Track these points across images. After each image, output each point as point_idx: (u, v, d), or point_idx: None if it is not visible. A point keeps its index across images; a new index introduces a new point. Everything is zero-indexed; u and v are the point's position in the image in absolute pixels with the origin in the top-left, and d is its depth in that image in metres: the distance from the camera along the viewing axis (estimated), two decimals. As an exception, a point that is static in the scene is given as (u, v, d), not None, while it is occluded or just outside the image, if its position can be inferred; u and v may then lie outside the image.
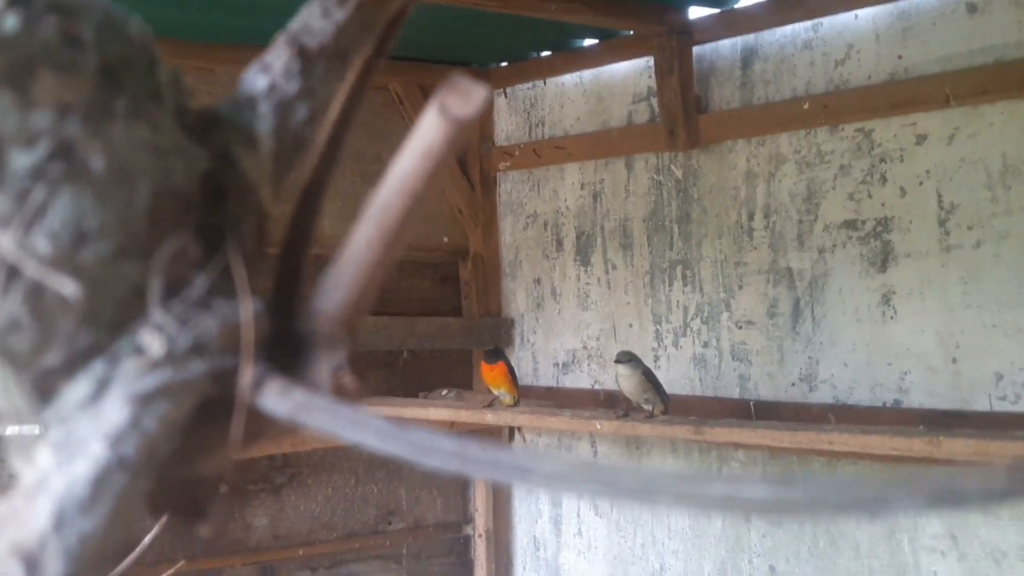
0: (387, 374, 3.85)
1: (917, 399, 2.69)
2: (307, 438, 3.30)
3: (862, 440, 2.15)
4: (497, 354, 3.18)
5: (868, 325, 2.80)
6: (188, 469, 0.55)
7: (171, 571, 2.54)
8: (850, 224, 2.84)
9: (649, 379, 2.77)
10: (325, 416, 0.50)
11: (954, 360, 2.61)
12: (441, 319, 3.85)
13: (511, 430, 3.60)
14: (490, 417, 3.13)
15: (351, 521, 3.78)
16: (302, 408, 0.51)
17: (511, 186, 3.94)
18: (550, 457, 0.42)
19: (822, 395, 2.92)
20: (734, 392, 3.16)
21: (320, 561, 3.72)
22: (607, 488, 0.41)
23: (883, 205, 2.75)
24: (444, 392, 3.66)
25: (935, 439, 1.99)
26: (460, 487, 4.04)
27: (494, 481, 3.81)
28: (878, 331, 2.77)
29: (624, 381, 2.78)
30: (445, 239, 3.92)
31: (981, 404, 2.54)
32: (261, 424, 0.53)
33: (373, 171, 3.69)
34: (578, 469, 0.41)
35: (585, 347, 3.67)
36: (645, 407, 2.77)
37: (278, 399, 0.51)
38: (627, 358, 2.78)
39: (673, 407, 2.86)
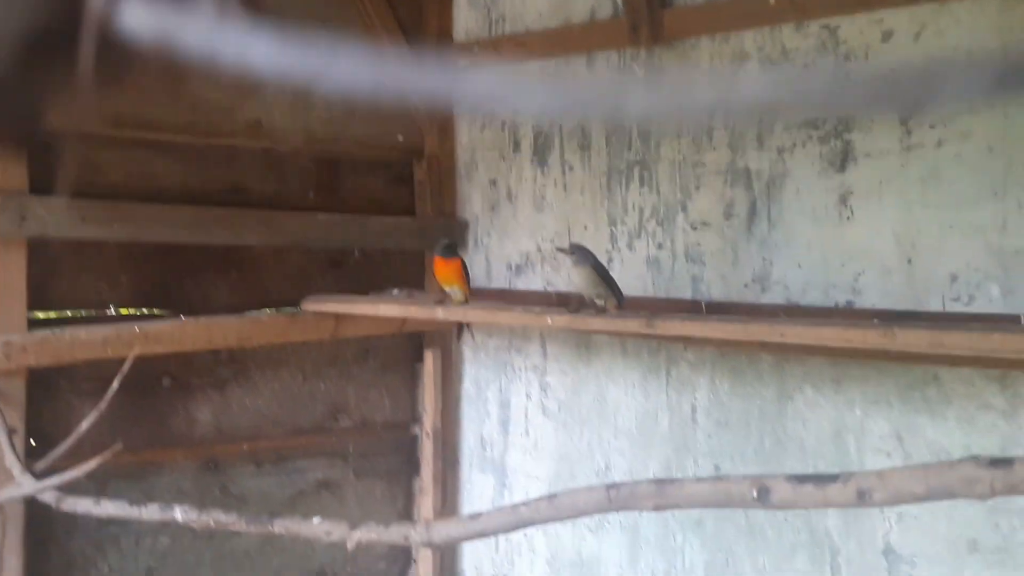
0: (337, 273, 3.80)
1: (870, 300, 2.69)
2: (253, 334, 3.28)
3: (815, 332, 2.13)
4: (453, 249, 3.13)
5: (824, 226, 2.79)
6: (34, 104, 0.48)
7: (107, 452, 2.49)
8: (810, 123, 2.81)
9: (599, 273, 2.74)
10: (200, 37, 0.41)
11: (909, 261, 2.61)
12: (394, 218, 3.80)
13: (460, 328, 3.58)
14: (440, 313, 3.10)
15: (298, 418, 3.76)
16: (171, 29, 0.42)
17: (469, 84, 3.85)
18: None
19: (774, 296, 2.92)
20: (686, 293, 3.15)
21: (265, 456, 3.69)
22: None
23: (843, 103, 2.72)
24: (395, 292, 3.61)
25: (889, 331, 1.98)
26: (409, 387, 4.02)
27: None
28: (834, 232, 2.77)
29: (573, 274, 2.75)
30: (400, 138, 3.84)
31: (934, 305, 2.55)
32: (119, 58, 0.44)
33: None
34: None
35: (540, 249, 3.64)
36: (597, 302, 2.75)
37: (140, 18, 0.42)
38: (574, 250, 2.75)
39: (626, 307, 2.85)
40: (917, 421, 2.60)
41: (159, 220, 3.17)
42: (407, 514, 4.02)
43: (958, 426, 2.50)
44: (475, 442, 3.95)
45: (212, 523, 1.82)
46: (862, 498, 1.05)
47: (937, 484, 1.01)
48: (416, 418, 4.04)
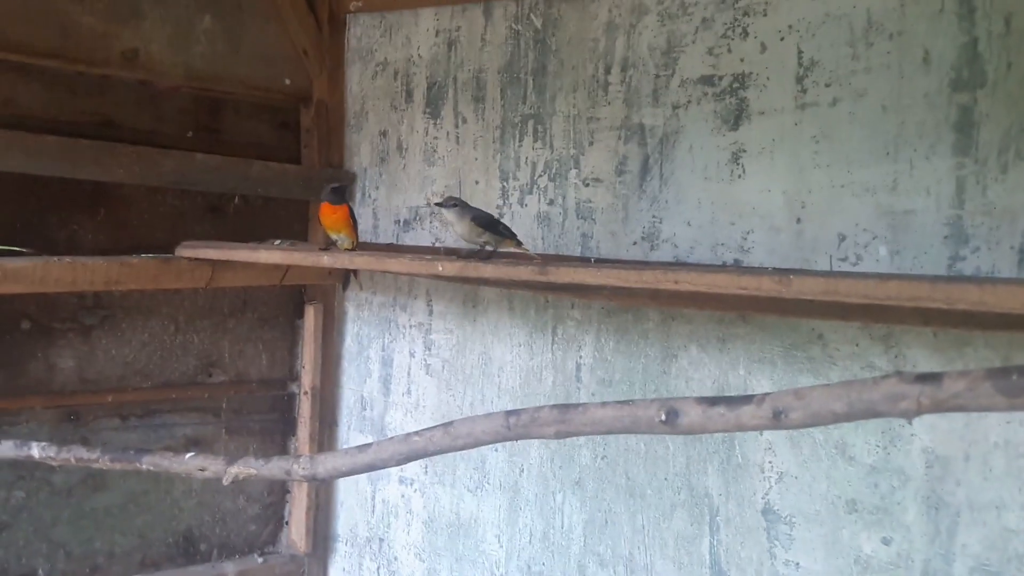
0: (216, 220, 3.63)
1: (758, 258, 2.70)
2: (122, 278, 3.08)
3: (709, 279, 2.10)
4: (341, 194, 3.01)
5: (715, 184, 2.78)
6: None
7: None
8: (707, 80, 2.79)
9: (480, 223, 2.68)
10: None
11: (799, 220, 2.61)
12: (279, 165, 3.65)
13: (347, 276, 3.47)
14: (326, 260, 2.98)
15: (168, 370, 3.58)
16: None
17: (361, 31, 3.73)
18: None
19: (663, 254, 2.90)
20: (576, 250, 3.11)
21: (132, 409, 3.51)
22: None
23: (742, 61, 2.71)
24: (277, 242, 3.47)
25: (785, 278, 1.96)
26: (288, 342, 3.89)
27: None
28: (725, 190, 2.76)
29: (457, 228, 2.70)
30: (287, 81, 3.68)
31: (822, 264, 2.56)
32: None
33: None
34: None
35: (429, 204, 3.55)
36: (487, 247, 2.69)
37: None
38: (452, 203, 2.69)
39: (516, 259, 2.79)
40: (800, 381, 2.62)
41: (20, 148, 2.95)
42: (281, 474, 3.89)
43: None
44: (355, 401, 3.84)
45: (73, 460, 1.68)
46: (778, 418, 1.01)
47: (859, 402, 0.97)
48: (294, 375, 3.91)
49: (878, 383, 1.02)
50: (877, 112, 2.46)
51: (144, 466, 1.62)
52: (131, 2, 3.22)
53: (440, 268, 2.66)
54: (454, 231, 2.73)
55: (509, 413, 1.22)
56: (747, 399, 1.07)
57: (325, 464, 1.40)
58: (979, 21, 2.31)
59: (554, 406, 1.18)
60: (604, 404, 1.17)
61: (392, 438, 1.34)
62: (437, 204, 2.77)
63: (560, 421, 1.17)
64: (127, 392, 3.46)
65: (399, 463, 1.31)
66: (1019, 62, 2.25)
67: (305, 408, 3.81)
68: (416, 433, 1.29)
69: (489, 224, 2.70)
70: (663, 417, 1.09)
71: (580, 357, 3.10)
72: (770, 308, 2.51)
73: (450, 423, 1.27)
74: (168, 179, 3.30)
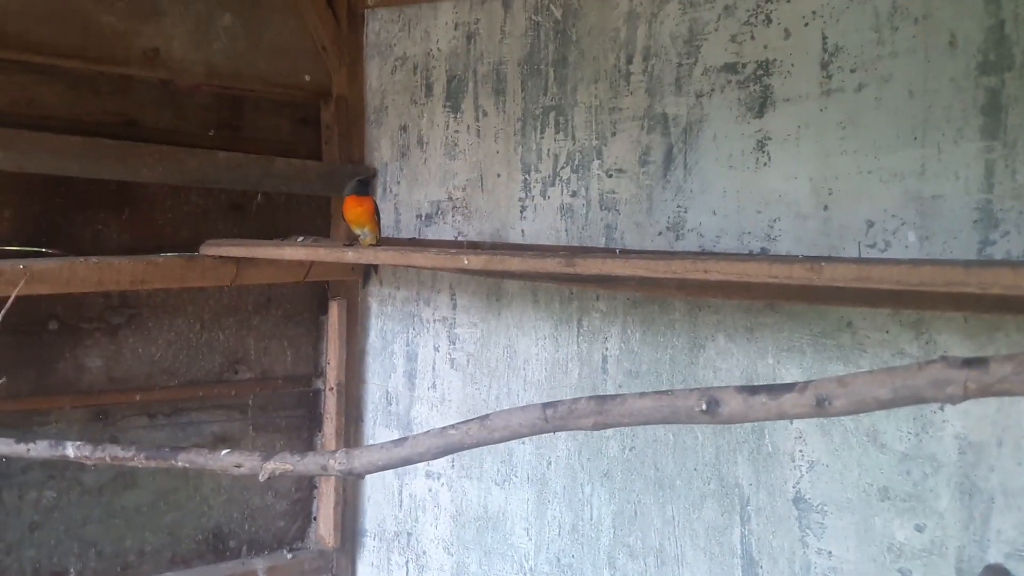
0: (239, 217, 3.64)
1: (785, 247, 2.68)
2: (148, 277, 3.09)
3: (740, 267, 2.09)
4: (366, 186, 3.01)
5: (740, 172, 2.76)
6: None
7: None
8: (730, 67, 2.77)
9: None
10: None
11: (825, 207, 2.60)
12: (300, 162, 3.64)
13: (367, 271, 3.47)
14: (351, 255, 2.97)
15: (194, 368, 3.59)
16: None
17: (380, 25, 3.73)
18: None
19: (688, 244, 2.89)
20: (600, 241, 3.10)
21: (159, 408, 3.52)
22: None
23: (765, 47, 2.70)
24: (299, 239, 3.47)
25: (816, 265, 1.94)
26: (312, 339, 3.90)
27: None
28: (750, 178, 2.74)
29: None
30: (307, 78, 3.69)
31: (850, 251, 2.54)
32: None
33: (232, -8, 3.43)
34: None
35: (451, 198, 3.55)
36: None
37: None
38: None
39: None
40: (830, 369, 2.60)
41: (45, 149, 2.95)
42: (308, 470, 3.90)
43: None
44: (380, 396, 3.85)
45: (108, 459, 1.68)
46: (821, 406, 1.00)
47: (903, 388, 0.96)
48: (319, 372, 3.92)
49: (923, 368, 1.01)
50: (903, 97, 2.44)
51: (180, 463, 1.63)
52: (151, 0, 3.23)
53: (466, 261, 2.66)
54: None
55: (546, 405, 1.21)
56: (789, 387, 1.06)
57: (361, 459, 1.40)
58: (1005, 3, 2.29)
59: (591, 397, 1.17)
60: (642, 395, 1.17)
61: (428, 432, 1.34)
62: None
63: (598, 412, 1.16)
64: (154, 391, 3.47)
65: (435, 456, 1.31)
66: (1048, 43, 2.23)
67: (331, 404, 3.82)
68: (452, 426, 1.29)
69: None
70: (703, 407, 1.08)
71: (606, 349, 3.09)
72: (798, 296, 2.49)
73: (486, 416, 1.26)
74: (191, 177, 3.31)
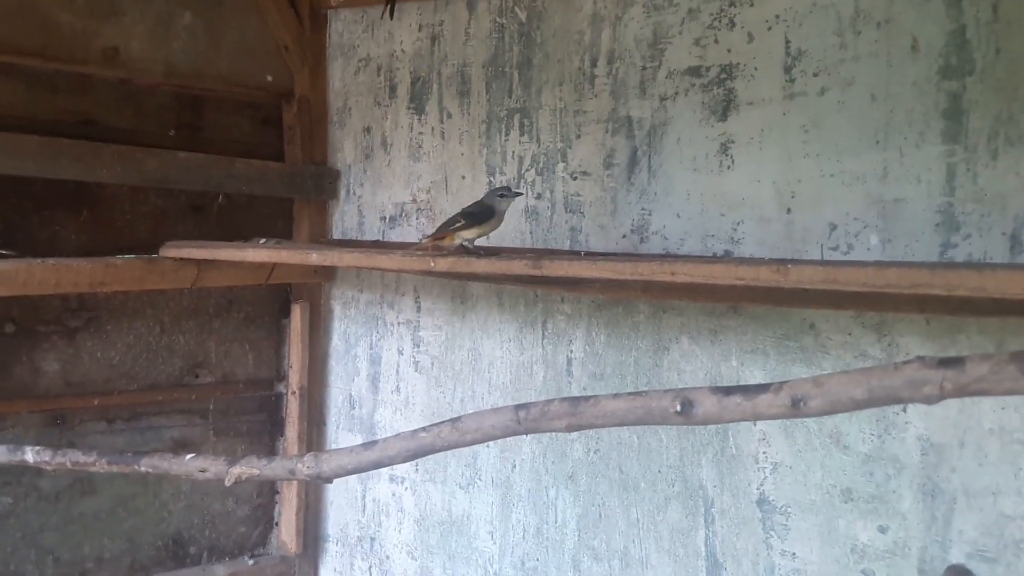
0: (199, 219, 3.59)
1: (748, 249, 2.69)
2: (107, 279, 3.04)
3: (706, 270, 2.09)
4: None
5: (704, 175, 2.77)
6: None
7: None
8: (694, 71, 2.78)
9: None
10: None
11: (788, 210, 2.61)
12: (262, 163, 3.61)
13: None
14: (314, 257, 2.95)
15: (154, 372, 3.54)
16: None
17: (343, 26, 3.70)
18: None
19: (653, 246, 2.90)
20: (565, 244, 3.10)
21: (118, 413, 3.47)
22: None
23: (729, 51, 2.71)
24: (262, 241, 3.43)
25: (783, 268, 1.95)
26: (274, 342, 3.86)
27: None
28: (714, 181, 2.75)
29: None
30: (269, 78, 3.65)
31: (813, 254, 2.56)
32: None
33: (193, -10, 3.39)
34: None
35: (415, 200, 3.53)
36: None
37: None
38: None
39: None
40: (793, 371, 2.62)
41: (1, 149, 2.90)
42: (269, 474, 3.86)
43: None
44: (343, 400, 3.82)
45: (68, 464, 1.65)
46: (796, 407, 1.00)
47: (880, 388, 0.96)
48: (281, 375, 3.88)
49: (900, 368, 1.01)
50: (866, 101, 2.46)
51: (143, 468, 1.60)
52: (110, -1, 3.19)
53: (432, 264, 2.64)
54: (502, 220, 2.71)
55: (519, 407, 1.20)
56: (764, 387, 1.06)
57: (330, 462, 1.38)
58: (967, 8, 2.32)
59: (564, 399, 1.16)
60: (616, 396, 1.16)
61: (399, 434, 1.32)
62: (501, 196, 2.71)
63: (571, 414, 1.15)
64: (113, 395, 3.42)
65: (406, 460, 1.30)
66: (1008, 48, 2.26)
67: (293, 408, 3.78)
68: (424, 429, 1.28)
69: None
70: (678, 408, 1.08)
71: (571, 351, 3.09)
72: (762, 298, 2.50)
73: (458, 418, 1.25)
74: (151, 178, 3.26)
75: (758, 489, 2.67)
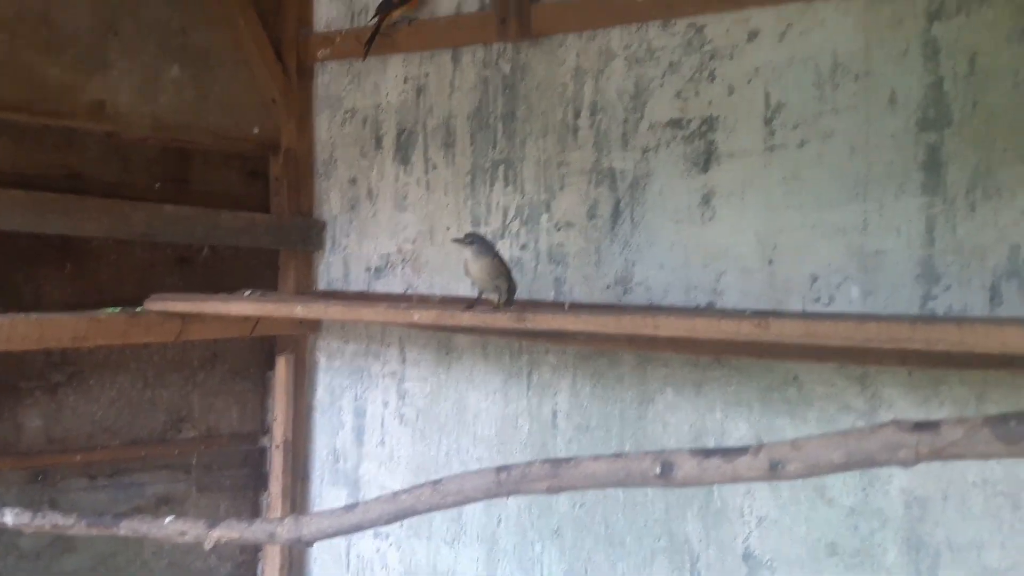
0: (185, 271, 3.59)
1: (731, 300, 2.71)
2: (90, 334, 3.02)
3: (688, 324, 2.11)
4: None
5: (687, 226, 2.79)
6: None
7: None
8: (675, 123, 2.81)
9: (501, 263, 2.61)
10: None
11: (770, 262, 2.63)
12: (248, 214, 3.61)
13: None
14: (299, 310, 2.94)
15: (137, 427, 3.51)
16: None
17: (330, 78, 3.73)
18: None
19: (636, 297, 2.90)
20: (549, 295, 3.10)
21: (100, 469, 3.43)
22: None
23: (710, 104, 2.74)
24: (247, 293, 3.42)
25: (764, 322, 1.97)
26: (259, 395, 3.83)
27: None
28: (696, 232, 2.77)
29: (473, 265, 2.58)
30: (255, 130, 3.66)
31: (795, 305, 2.57)
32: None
33: (176, 45, 3.41)
34: None
35: (400, 251, 3.53)
36: (492, 296, 2.61)
37: None
38: (472, 240, 2.60)
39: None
40: (777, 423, 2.62)
41: (-13, 203, 2.90)
42: (254, 528, 3.81)
43: (818, 427, 2.53)
44: (327, 454, 3.79)
45: (48, 527, 1.63)
46: (775, 470, 1.00)
47: (857, 451, 0.96)
48: (265, 429, 3.85)
49: (875, 432, 1.01)
50: (845, 153, 2.49)
51: (122, 531, 1.58)
52: (98, 52, 3.20)
53: (416, 316, 2.64)
54: (470, 269, 2.61)
55: (500, 469, 1.20)
56: (742, 450, 1.06)
57: (310, 526, 1.37)
58: (944, 61, 2.36)
59: (545, 460, 1.16)
60: (597, 458, 1.16)
61: (379, 497, 1.31)
62: (456, 240, 2.68)
63: (552, 476, 1.15)
64: (95, 451, 3.38)
65: (387, 522, 1.28)
66: (984, 101, 2.30)
67: (277, 462, 3.75)
68: (404, 491, 1.27)
69: (508, 270, 2.63)
70: (658, 470, 1.08)
71: (556, 403, 3.08)
72: (745, 351, 2.51)
73: (439, 480, 1.24)
74: (137, 231, 3.26)
75: (743, 543, 2.65)
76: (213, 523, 1.46)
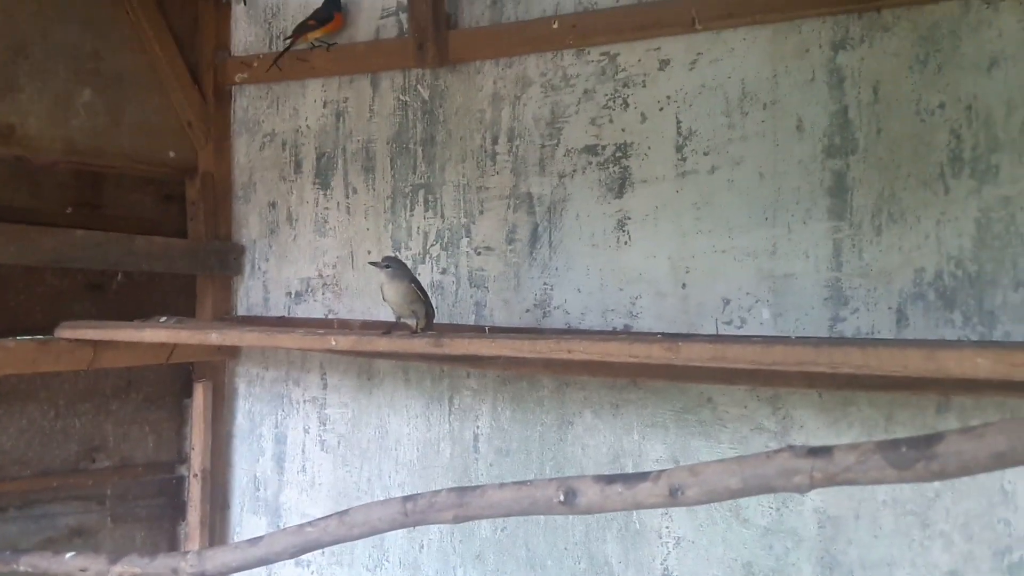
0: (97, 298, 3.51)
1: (647, 324, 2.74)
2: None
3: (601, 347, 2.13)
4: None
5: (603, 251, 2.82)
6: None
7: None
8: (591, 149, 2.85)
9: (418, 288, 2.62)
10: None
11: (684, 285, 2.67)
12: (163, 239, 3.55)
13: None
14: (214, 337, 2.90)
15: (48, 457, 3.42)
16: None
17: (248, 102, 3.70)
18: None
19: (555, 320, 2.92)
20: (470, 319, 3.11)
21: (10, 500, 3.32)
22: None
23: (623, 131, 2.78)
24: (163, 319, 3.36)
25: (674, 345, 2.00)
26: (175, 423, 3.76)
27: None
28: (612, 256, 2.80)
29: (389, 290, 2.58)
30: (171, 154, 3.61)
31: (708, 328, 2.62)
32: None
33: (89, 69, 3.35)
34: None
35: (320, 275, 3.51)
36: (409, 321, 2.63)
37: None
38: (393, 264, 2.60)
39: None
40: (692, 444, 2.65)
41: None
42: (171, 559, 3.73)
43: (732, 448, 2.57)
44: (247, 482, 3.73)
45: (-58, 565, 1.57)
46: (674, 496, 1.02)
47: (753, 477, 0.98)
48: (183, 457, 3.77)
49: (771, 457, 1.03)
50: (754, 179, 2.55)
51: (22, 567, 1.53)
52: (7, 76, 3.13)
53: (333, 342, 2.63)
54: (386, 293, 2.61)
55: (406, 499, 1.19)
56: (643, 476, 1.07)
57: (214, 560, 1.35)
58: (848, 89, 2.42)
59: (451, 490, 1.16)
60: (502, 486, 1.16)
61: (285, 529, 1.30)
62: (373, 263, 2.66)
63: (458, 505, 1.15)
64: (4, 482, 3.28)
65: (293, 555, 1.27)
66: (888, 128, 2.36)
67: (195, 491, 3.68)
68: (310, 523, 1.26)
69: (425, 295, 2.65)
70: (561, 497, 1.09)
71: (477, 427, 3.08)
72: (660, 374, 2.54)
73: (345, 512, 1.23)
74: (47, 257, 3.19)
75: (662, 564, 2.68)
76: (115, 558, 1.43)
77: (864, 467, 0.97)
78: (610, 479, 1.09)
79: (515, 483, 1.12)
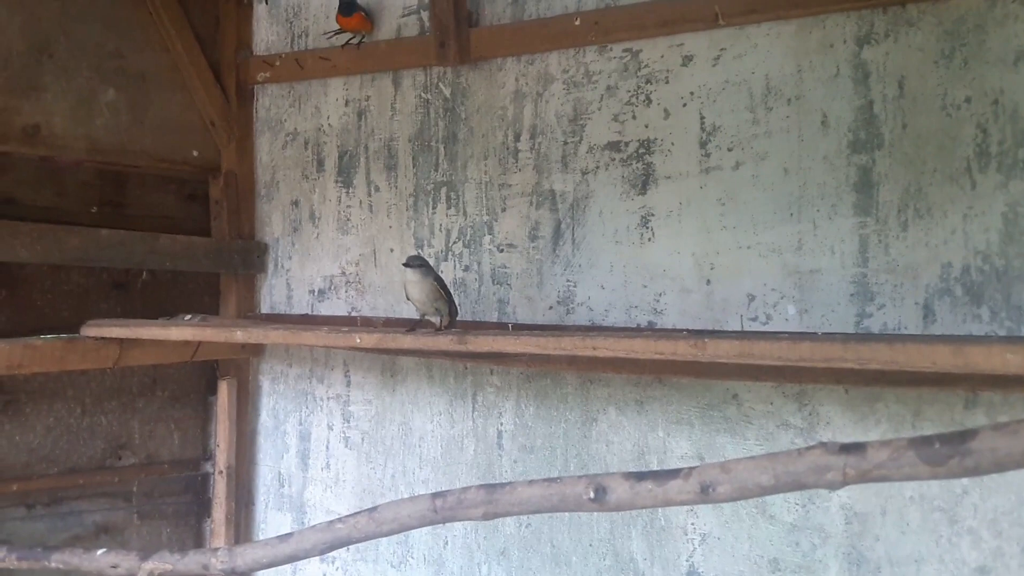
0: (122, 296, 3.53)
1: (671, 320, 2.73)
2: (25, 361, 2.97)
3: (626, 344, 2.12)
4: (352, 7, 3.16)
5: (626, 247, 2.82)
6: None
7: None
8: (613, 146, 2.84)
9: (441, 287, 2.63)
10: None
11: (708, 281, 2.67)
12: (187, 238, 3.56)
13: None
14: (239, 335, 2.92)
15: (75, 455, 3.44)
16: None
17: (270, 101, 3.71)
18: None
19: (578, 317, 2.92)
20: (493, 316, 3.11)
21: (38, 498, 3.35)
22: None
23: (646, 127, 2.78)
24: (187, 317, 3.38)
25: (700, 342, 1.99)
26: (201, 420, 3.78)
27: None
28: (636, 253, 2.80)
29: (413, 288, 2.59)
30: (195, 153, 3.63)
31: (733, 324, 2.61)
32: None
33: (112, 68, 3.37)
34: None
35: (344, 273, 3.52)
36: (433, 319, 2.63)
37: None
38: (418, 263, 2.61)
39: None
40: (718, 440, 2.65)
41: (-84, 230, 2.84)
42: (196, 556, 3.75)
43: (758, 444, 2.56)
44: (272, 479, 3.75)
45: (-25, 561, 1.59)
46: (706, 493, 1.01)
47: (785, 474, 0.98)
48: (208, 455, 3.80)
49: (803, 454, 1.03)
50: (779, 174, 2.54)
51: (53, 564, 1.55)
52: (31, 76, 3.15)
53: (358, 340, 2.63)
54: (410, 292, 2.61)
55: (435, 495, 1.19)
56: (674, 473, 1.07)
57: (245, 556, 1.35)
58: (874, 85, 2.41)
59: (481, 486, 1.16)
60: (531, 482, 1.16)
61: (315, 526, 1.30)
62: (405, 265, 2.66)
63: (488, 502, 1.15)
64: (32, 480, 3.31)
65: (323, 552, 1.27)
66: (914, 123, 2.35)
67: (220, 488, 3.70)
68: (340, 520, 1.26)
69: (448, 293, 2.65)
70: (591, 495, 1.08)
71: (501, 424, 3.08)
72: (685, 370, 2.54)
73: (375, 508, 1.24)
74: (72, 256, 3.21)
75: (687, 561, 2.67)
76: (146, 555, 1.44)
77: (897, 463, 0.96)
78: (640, 476, 1.09)
79: (544, 480, 1.12)
